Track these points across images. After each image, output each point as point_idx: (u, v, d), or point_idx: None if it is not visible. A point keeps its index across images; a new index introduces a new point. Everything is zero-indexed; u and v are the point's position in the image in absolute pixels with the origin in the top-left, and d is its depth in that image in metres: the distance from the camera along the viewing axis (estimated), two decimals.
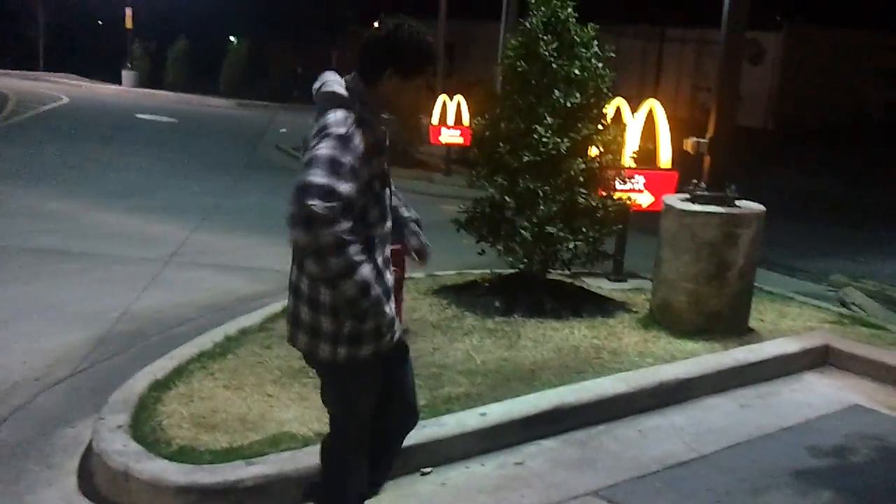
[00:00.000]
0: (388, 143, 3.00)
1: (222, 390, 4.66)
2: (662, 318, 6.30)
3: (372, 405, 3.11)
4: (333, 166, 2.68)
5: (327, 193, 2.63)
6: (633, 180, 7.71)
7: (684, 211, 6.13)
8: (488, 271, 7.24)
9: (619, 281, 7.73)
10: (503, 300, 6.58)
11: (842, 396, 5.27)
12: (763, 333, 6.25)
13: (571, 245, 6.46)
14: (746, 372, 5.35)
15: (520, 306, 6.52)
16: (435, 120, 15.24)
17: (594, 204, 6.63)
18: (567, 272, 6.91)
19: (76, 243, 8.57)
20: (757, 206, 6.22)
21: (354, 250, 2.70)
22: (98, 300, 6.76)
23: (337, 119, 2.79)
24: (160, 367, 4.87)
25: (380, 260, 2.94)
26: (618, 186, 7.14)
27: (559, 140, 6.43)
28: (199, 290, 7.29)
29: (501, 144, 6.67)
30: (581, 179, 6.60)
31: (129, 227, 9.69)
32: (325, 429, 3.97)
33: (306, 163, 2.71)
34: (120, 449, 3.82)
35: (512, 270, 6.97)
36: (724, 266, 6.07)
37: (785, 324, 6.55)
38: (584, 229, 6.59)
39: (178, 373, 4.83)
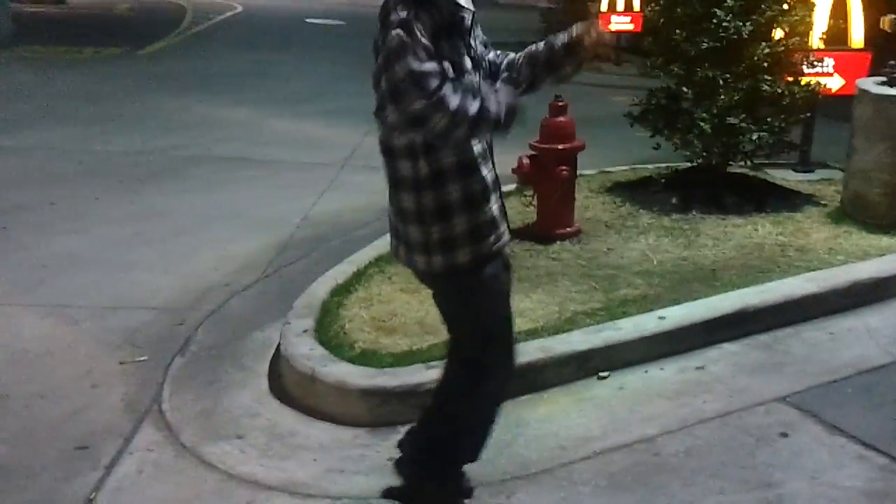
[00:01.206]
0: (472, 24, 2.69)
1: (400, 294, 4.74)
2: (855, 212, 5.91)
3: (500, 310, 2.86)
4: (409, 50, 2.43)
5: (419, 78, 2.41)
6: (821, 63, 7.20)
7: (880, 95, 5.68)
8: (664, 166, 6.98)
9: (807, 172, 7.31)
10: (680, 196, 6.36)
11: None
12: None
13: (755, 136, 6.10)
14: None
15: (698, 202, 6.29)
16: (604, 6, 14.66)
17: (779, 91, 6.25)
18: (748, 165, 6.56)
19: (255, 150, 8.83)
20: None
21: (469, 111, 2.46)
22: (278, 206, 6.96)
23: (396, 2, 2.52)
24: (341, 272, 4.99)
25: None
26: (805, 71, 6.67)
27: (741, 23, 6.05)
28: (374, 193, 7.35)
29: (678, 31, 6.34)
30: (765, 65, 6.23)
31: (303, 132, 9.89)
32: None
33: (382, 61, 2.50)
34: (306, 353, 3.96)
35: (689, 164, 6.69)
36: None
37: None
38: (768, 119, 6.22)
39: (358, 277, 4.94)
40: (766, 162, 7.16)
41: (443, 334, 4.16)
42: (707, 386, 3.96)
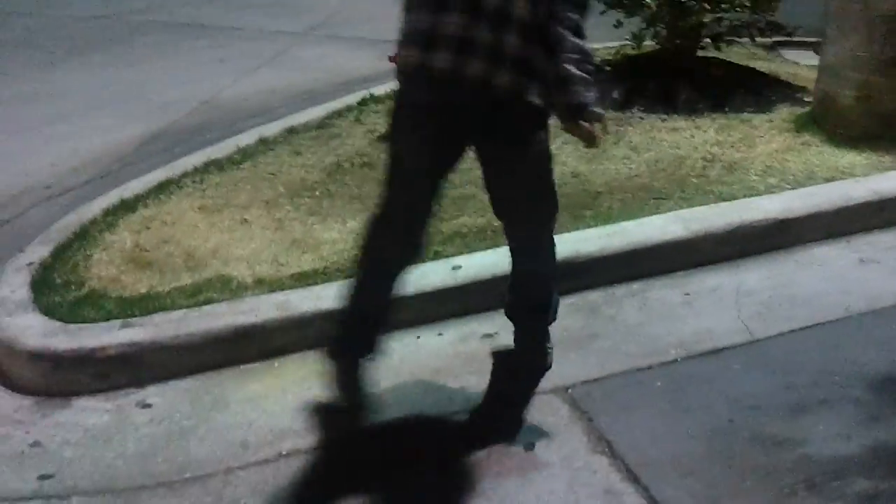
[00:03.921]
0: None
1: (194, 213, 4.00)
2: (823, 119, 4.74)
3: None
4: None
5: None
6: None
7: None
8: (618, 48, 5.84)
9: None
10: (625, 89, 5.27)
11: None
12: None
13: (706, 18, 4.91)
14: (889, 208, 3.81)
15: (645, 97, 5.20)
16: None
17: None
18: (718, 49, 5.38)
19: (220, 16, 8.18)
20: None
21: None
22: (196, 84, 6.32)
23: None
24: (148, 180, 4.29)
25: None
26: None
27: None
28: (311, 71, 6.62)
29: None
30: None
31: None
32: (279, 271, 3.43)
33: None
34: (5, 295, 3.30)
35: (657, 47, 5.55)
36: None
37: None
38: None
39: (162, 187, 4.23)
40: (784, 39, 5.95)
41: (201, 273, 3.50)
42: (483, 362, 3.10)
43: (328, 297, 3.22)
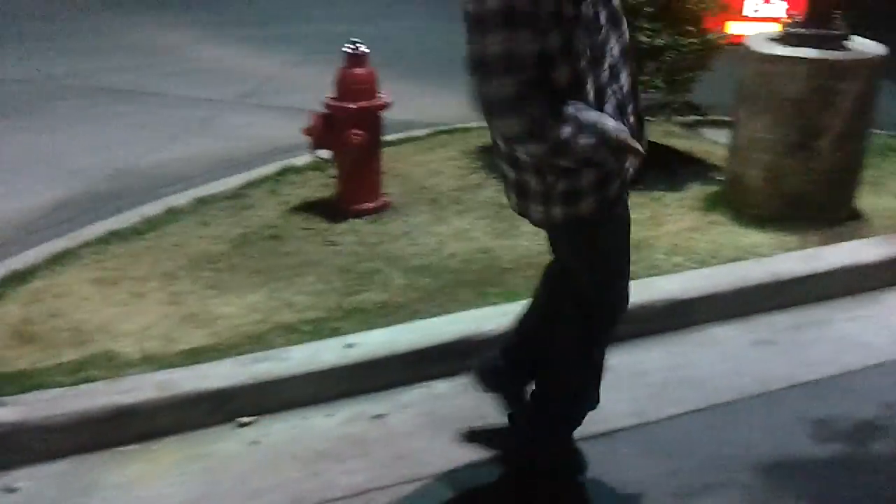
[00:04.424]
0: None
1: (89, 286, 3.89)
2: (732, 198, 4.80)
3: (622, 245, 2.56)
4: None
5: (507, 61, 1.98)
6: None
7: (763, 55, 4.48)
8: None
9: None
10: None
11: None
12: (871, 222, 4.63)
13: None
14: (786, 290, 3.84)
15: None
16: None
17: (660, 44, 5.06)
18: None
19: (152, 81, 8.09)
20: (872, 48, 4.43)
21: (566, 122, 2.06)
22: (113, 150, 6.23)
23: None
24: (47, 251, 4.17)
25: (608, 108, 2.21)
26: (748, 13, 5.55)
27: None
28: (235, 140, 6.57)
29: None
30: (645, 12, 5.05)
31: (226, 61, 9.09)
32: (167, 348, 3.34)
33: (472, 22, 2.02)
34: None
35: None
36: (812, 133, 4.43)
37: None
38: (645, 77, 5.09)
39: (58, 258, 4.11)
40: (709, 118, 6.08)
41: (87, 349, 3.39)
42: (363, 446, 3.02)
43: (215, 375, 3.13)
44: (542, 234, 4.43)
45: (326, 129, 4.58)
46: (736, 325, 3.74)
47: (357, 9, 11.86)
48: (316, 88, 7.68)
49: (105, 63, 8.65)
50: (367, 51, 4.56)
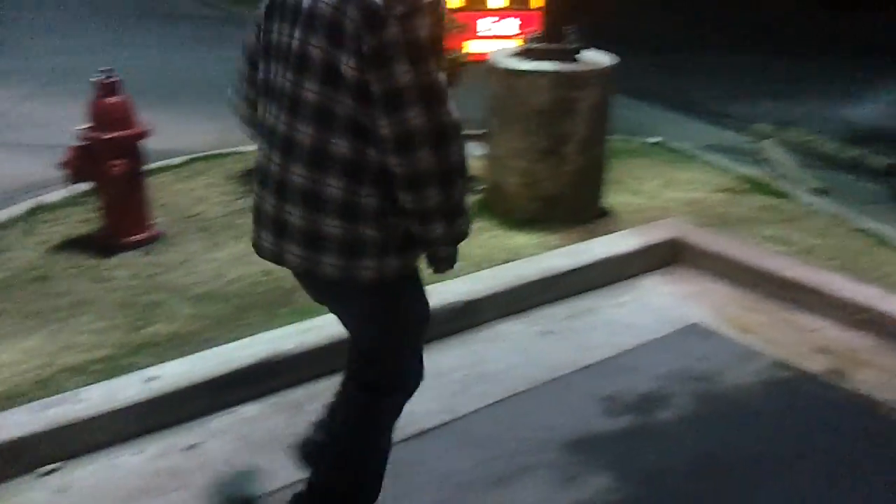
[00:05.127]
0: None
1: None
2: (494, 204, 5.09)
3: (426, 313, 2.44)
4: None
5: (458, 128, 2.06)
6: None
7: (509, 70, 4.81)
8: None
9: None
10: None
11: (680, 312, 4.10)
12: (619, 217, 5.06)
13: None
14: (558, 284, 4.17)
15: None
16: None
17: None
18: None
19: None
20: (602, 60, 4.88)
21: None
22: None
23: None
24: None
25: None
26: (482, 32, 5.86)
27: None
28: None
29: None
30: None
31: None
32: None
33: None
34: None
35: None
36: (559, 139, 4.81)
37: (665, 196, 5.35)
38: None
39: None
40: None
41: None
42: (186, 476, 2.96)
43: (9, 425, 2.96)
44: None
45: (84, 161, 4.40)
46: (519, 320, 4.00)
47: (77, 42, 11.31)
48: (53, 123, 7.37)
49: None
50: (119, 78, 4.43)
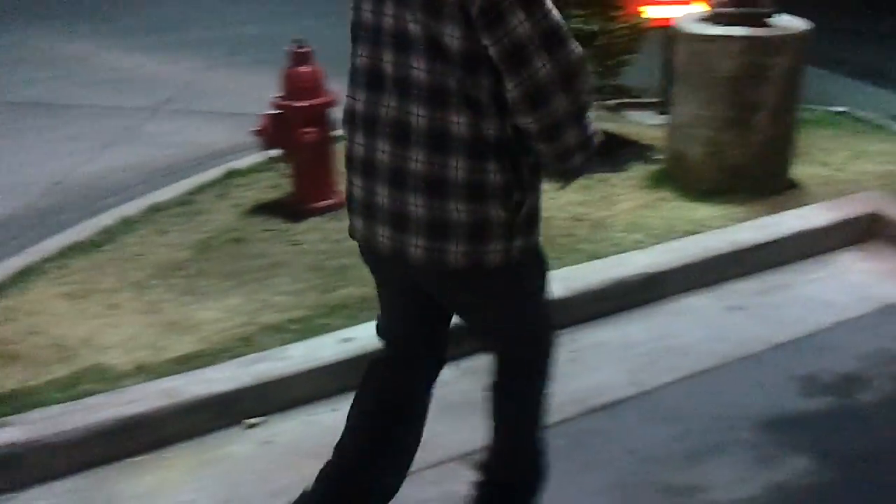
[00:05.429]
0: None
1: (60, 301, 3.81)
2: (676, 174, 4.99)
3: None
4: None
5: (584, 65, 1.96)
6: None
7: (696, 35, 4.68)
8: None
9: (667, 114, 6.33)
10: None
11: (879, 290, 3.91)
12: (808, 190, 4.87)
13: None
14: (748, 258, 4.05)
15: None
16: None
17: (594, 30, 5.22)
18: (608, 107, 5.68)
19: (67, 93, 7.84)
20: (797, 25, 4.67)
21: None
22: (45, 164, 6.03)
23: None
24: (6, 268, 4.07)
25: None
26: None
27: None
28: (167, 147, 6.44)
29: None
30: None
31: (139, 68, 8.86)
32: (158, 356, 3.31)
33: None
34: None
35: None
36: (748, 107, 4.65)
37: (855, 169, 5.11)
38: None
39: (21, 275, 4.01)
40: (629, 101, 6.25)
41: (75, 363, 3.32)
42: None
43: (218, 379, 3.13)
44: None
45: (277, 129, 4.58)
46: (706, 294, 3.92)
47: (262, 11, 11.71)
48: (237, 92, 7.70)
49: (13, 76, 8.34)
50: (311, 48, 4.58)
